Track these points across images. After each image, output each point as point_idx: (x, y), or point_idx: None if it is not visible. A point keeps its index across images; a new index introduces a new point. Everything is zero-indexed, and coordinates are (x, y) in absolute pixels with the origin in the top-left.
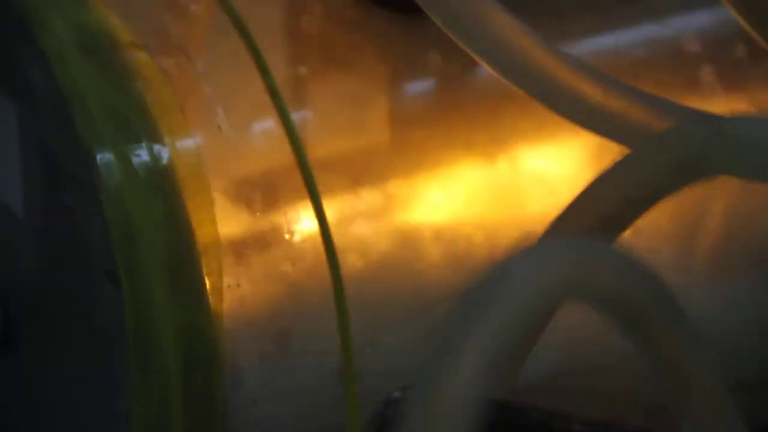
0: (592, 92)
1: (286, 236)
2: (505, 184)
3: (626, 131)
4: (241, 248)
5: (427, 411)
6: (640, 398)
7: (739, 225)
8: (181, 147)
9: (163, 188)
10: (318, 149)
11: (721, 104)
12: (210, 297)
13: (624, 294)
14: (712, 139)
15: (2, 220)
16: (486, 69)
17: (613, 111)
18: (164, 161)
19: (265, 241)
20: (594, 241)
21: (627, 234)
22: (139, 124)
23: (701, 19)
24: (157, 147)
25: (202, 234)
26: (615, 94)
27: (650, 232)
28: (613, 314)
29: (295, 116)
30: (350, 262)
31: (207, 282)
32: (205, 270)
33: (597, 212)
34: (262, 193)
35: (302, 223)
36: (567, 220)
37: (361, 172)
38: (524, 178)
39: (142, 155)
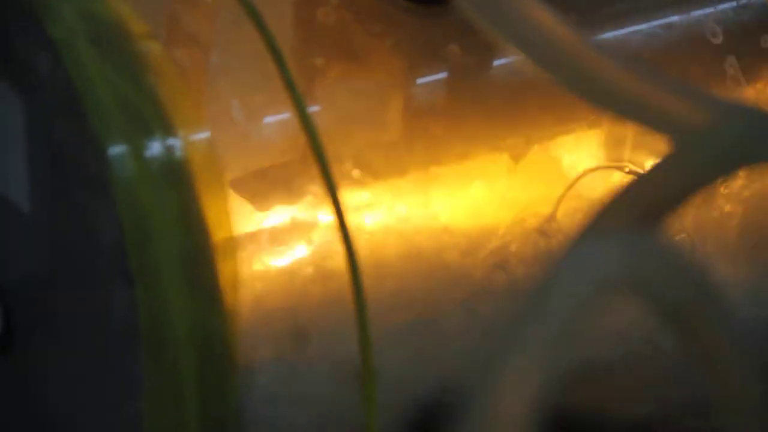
0: (630, 82)
1: (303, 232)
2: (527, 177)
3: (665, 122)
4: (256, 244)
5: (488, 416)
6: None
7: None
8: (195, 140)
9: (177, 183)
10: (335, 142)
11: (744, 95)
12: (224, 295)
13: (670, 288)
14: (755, 130)
15: (9, 216)
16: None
17: (651, 101)
18: (178, 155)
19: (280, 237)
20: (642, 235)
21: None
22: (151, 117)
23: (724, 9)
24: (170, 140)
25: (216, 230)
26: (653, 85)
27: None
28: (658, 308)
29: (311, 109)
30: (368, 257)
31: (221, 279)
32: (219, 267)
33: (643, 203)
34: (277, 187)
35: (319, 217)
36: (614, 210)
37: (380, 165)
38: (546, 171)
39: (154, 149)
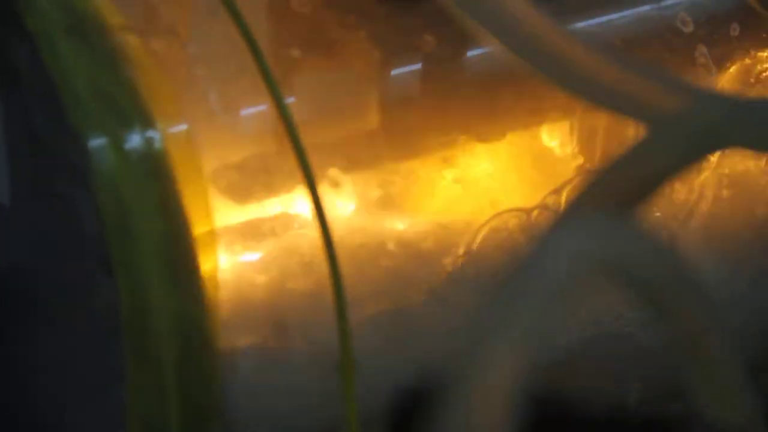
0: (606, 70)
1: (281, 222)
2: (503, 166)
3: (640, 108)
4: (236, 235)
5: (471, 397)
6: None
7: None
8: (174, 132)
9: (157, 175)
10: (312, 134)
11: (715, 84)
12: (205, 285)
13: (648, 270)
14: (729, 115)
15: None
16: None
17: (626, 89)
18: (157, 147)
19: (259, 228)
20: (620, 217)
21: None
22: (130, 109)
23: None
24: (149, 132)
25: (196, 221)
26: (628, 72)
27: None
28: (636, 289)
29: (288, 100)
30: (347, 248)
31: (202, 270)
32: (200, 258)
33: (619, 188)
34: (256, 178)
35: (298, 209)
36: (590, 194)
37: (356, 156)
38: (521, 160)
39: (134, 140)
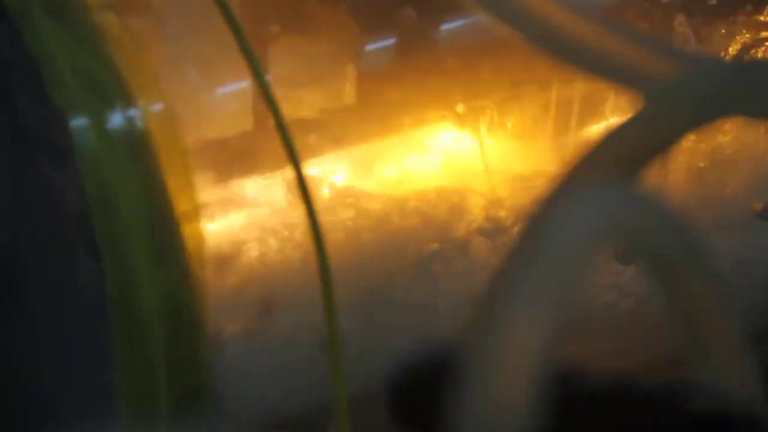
0: (603, 40)
1: (264, 200)
2: (486, 141)
3: (638, 77)
4: (219, 214)
5: (492, 369)
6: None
7: None
8: (155, 110)
9: (140, 154)
10: (293, 110)
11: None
12: (191, 265)
13: (655, 238)
14: (729, 82)
15: None
16: (471, 21)
17: (622, 57)
18: (139, 125)
19: (242, 206)
20: (626, 186)
21: None
22: (111, 88)
23: None
24: (131, 111)
25: (180, 199)
26: (625, 41)
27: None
28: (644, 257)
29: (268, 76)
30: (329, 224)
31: (187, 249)
32: (185, 236)
33: (620, 156)
34: (239, 156)
35: (283, 187)
36: (590, 163)
37: (337, 131)
38: (502, 134)
39: (116, 120)
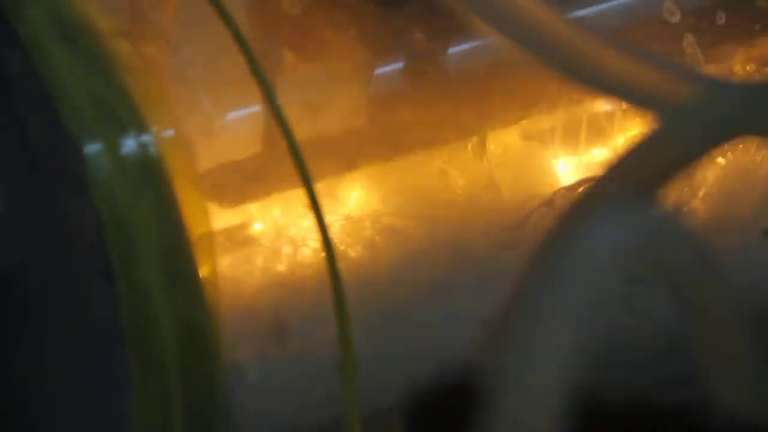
0: (618, 61)
1: (278, 224)
2: (496, 163)
3: (653, 98)
4: (233, 239)
5: (517, 389)
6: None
7: None
8: (168, 136)
9: (153, 179)
10: (305, 133)
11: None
12: (206, 289)
13: (673, 255)
14: (743, 102)
15: None
16: (482, 43)
17: (637, 78)
18: (152, 151)
19: (256, 230)
20: (642, 204)
21: None
22: (125, 114)
23: None
24: (144, 137)
25: (193, 224)
26: (640, 62)
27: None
28: (661, 275)
29: (281, 100)
30: (343, 247)
31: (202, 274)
32: (199, 262)
33: (635, 176)
34: (252, 180)
35: (297, 210)
36: (608, 181)
37: (350, 154)
38: (514, 156)
39: (129, 146)
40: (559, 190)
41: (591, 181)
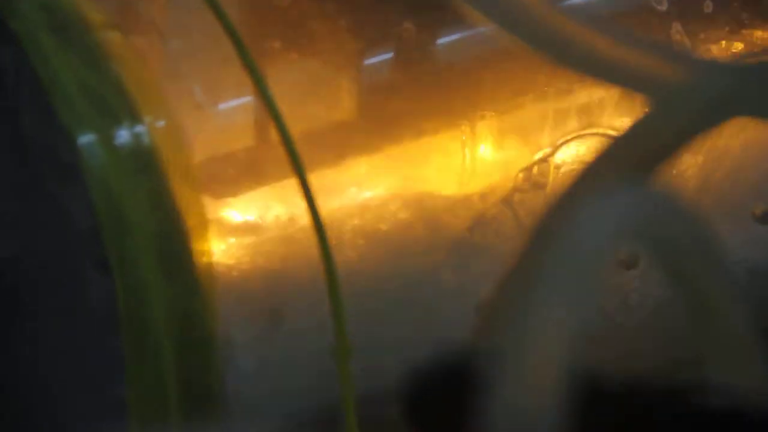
0: (609, 45)
1: (271, 213)
2: (487, 152)
3: (645, 82)
4: (228, 226)
5: (518, 372)
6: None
7: None
8: (161, 126)
9: (148, 170)
10: (297, 124)
11: None
12: (201, 277)
13: (671, 234)
14: (735, 83)
15: None
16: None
17: (628, 62)
18: (145, 142)
19: (250, 219)
20: (642, 186)
21: None
22: (118, 105)
23: None
24: (138, 128)
25: (188, 213)
26: (631, 46)
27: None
28: (660, 255)
29: (272, 91)
30: (335, 236)
31: (196, 262)
32: (194, 250)
33: (630, 158)
34: (245, 170)
35: (289, 199)
36: (602, 164)
37: (341, 145)
38: (504, 145)
39: (123, 136)
40: (548, 176)
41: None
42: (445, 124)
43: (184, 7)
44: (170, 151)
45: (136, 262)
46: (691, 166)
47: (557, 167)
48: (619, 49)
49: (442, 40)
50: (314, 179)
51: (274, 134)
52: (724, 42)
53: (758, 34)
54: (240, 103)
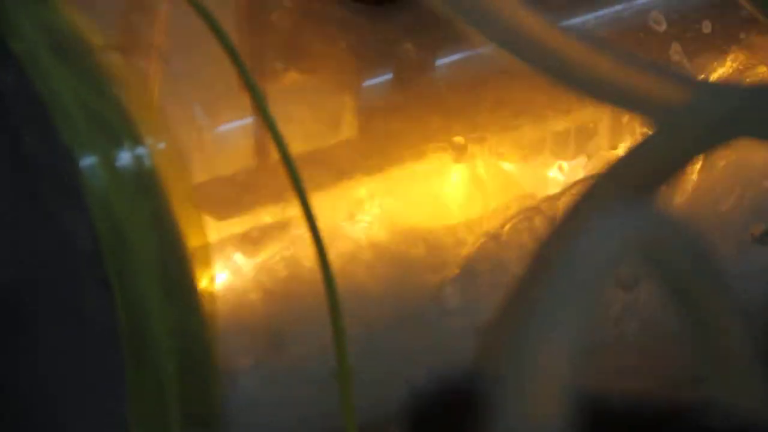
0: (610, 67)
1: (273, 235)
2: (486, 172)
3: (647, 103)
4: (229, 248)
5: (522, 393)
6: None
7: None
8: (162, 148)
9: (149, 190)
10: (297, 145)
11: None
12: (202, 299)
13: (672, 254)
14: (737, 105)
15: None
16: (471, 54)
17: (631, 83)
18: (147, 163)
19: (251, 242)
20: (643, 203)
21: None
22: (119, 126)
23: None
24: (139, 149)
25: (189, 235)
26: (629, 66)
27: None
28: (660, 273)
29: (273, 112)
30: (336, 257)
31: (198, 284)
32: (195, 272)
33: (632, 179)
34: (245, 192)
35: (288, 220)
36: (604, 185)
37: (342, 165)
38: (504, 166)
39: (124, 157)
40: (548, 197)
41: (583, 183)
42: (444, 145)
43: (184, 28)
44: (171, 171)
45: (137, 283)
46: (691, 186)
47: (559, 192)
48: (620, 71)
49: (441, 61)
50: (315, 200)
51: (274, 155)
52: (722, 62)
53: (757, 54)
54: (240, 124)
